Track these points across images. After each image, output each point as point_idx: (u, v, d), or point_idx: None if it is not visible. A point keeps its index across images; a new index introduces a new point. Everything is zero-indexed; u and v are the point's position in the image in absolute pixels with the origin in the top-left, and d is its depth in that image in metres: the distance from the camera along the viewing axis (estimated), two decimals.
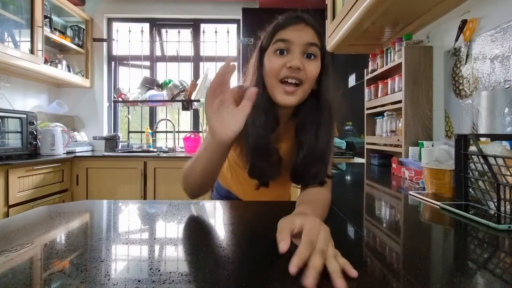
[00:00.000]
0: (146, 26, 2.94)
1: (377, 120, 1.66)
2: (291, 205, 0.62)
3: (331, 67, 0.65)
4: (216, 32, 2.93)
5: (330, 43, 1.73)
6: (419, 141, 1.24)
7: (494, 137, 0.72)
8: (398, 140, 1.35)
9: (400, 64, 1.31)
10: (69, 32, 2.72)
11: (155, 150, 2.72)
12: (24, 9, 2.05)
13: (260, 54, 0.64)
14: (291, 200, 0.86)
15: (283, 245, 0.36)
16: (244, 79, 0.72)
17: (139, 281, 0.32)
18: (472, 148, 0.66)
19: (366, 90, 1.72)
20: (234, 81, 2.83)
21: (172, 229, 0.52)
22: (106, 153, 2.46)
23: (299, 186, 0.68)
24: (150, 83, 2.84)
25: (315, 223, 0.39)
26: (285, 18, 0.62)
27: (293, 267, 0.33)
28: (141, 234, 0.49)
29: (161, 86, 2.84)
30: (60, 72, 2.42)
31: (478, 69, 1.06)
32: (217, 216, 0.61)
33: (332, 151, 0.66)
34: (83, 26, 2.77)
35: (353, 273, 0.32)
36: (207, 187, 0.65)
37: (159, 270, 0.35)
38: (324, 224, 0.40)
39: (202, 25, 2.96)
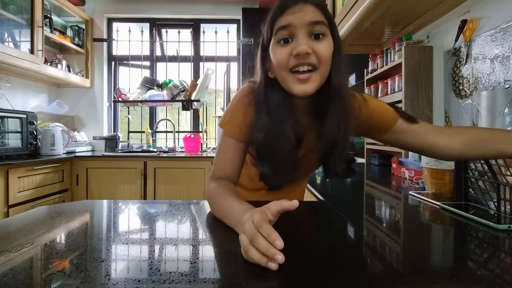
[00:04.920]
0: (146, 26, 2.94)
1: None
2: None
3: (342, 46, 0.59)
4: (216, 32, 2.93)
5: None
6: None
7: None
8: None
9: (400, 64, 1.31)
10: (69, 32, 2.72)
11: (155, 150, 2.72)
12: (24, 9, 2.05)
13: (263, 50, 0.59)
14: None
15: (279, 243, 0.35)
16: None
17: (139, 281, 0.32)
18: None
19: (366, 90, 1.72)
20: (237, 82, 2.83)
21: (172, 229, 0.52)
22: (106, 153, 2.45)
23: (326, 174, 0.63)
24: (150, 83, 2.84)
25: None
26: (280, 3, 0.55)
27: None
28: (141, 234, 0.49)
29: (161, 86, 2.84)
30: (60, 72, 2.41)
31: (478, 69, 1.06)
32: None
33: (348, 139, 0.60)
34: (83, 26, 2.77)
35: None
36: None
37: (159, 270, 0.35)
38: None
39: (202, 25, 2.96)
